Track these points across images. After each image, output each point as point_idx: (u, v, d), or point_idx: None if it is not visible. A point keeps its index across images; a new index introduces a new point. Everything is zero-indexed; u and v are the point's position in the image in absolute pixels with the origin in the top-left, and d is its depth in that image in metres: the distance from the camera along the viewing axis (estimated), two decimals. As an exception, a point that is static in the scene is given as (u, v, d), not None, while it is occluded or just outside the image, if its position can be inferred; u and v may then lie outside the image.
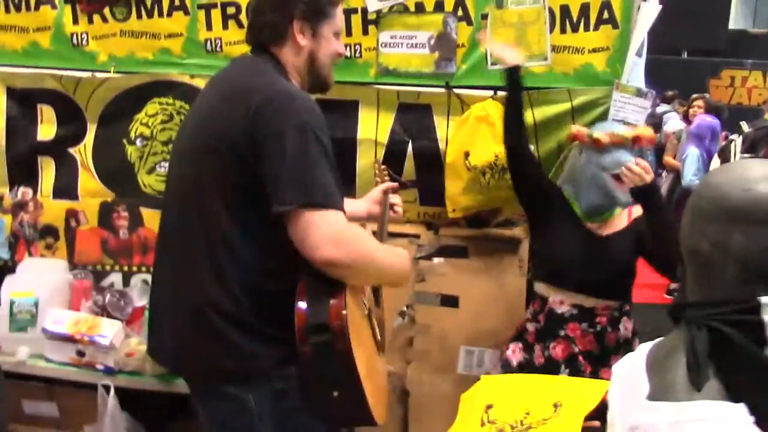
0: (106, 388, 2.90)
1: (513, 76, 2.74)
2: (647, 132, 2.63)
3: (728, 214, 1.09)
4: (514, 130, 2.75)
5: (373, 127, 3.11)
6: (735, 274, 1.09)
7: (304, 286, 1.77)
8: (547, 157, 3.05)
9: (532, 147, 2.95)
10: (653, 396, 1.10)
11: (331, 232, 1.66)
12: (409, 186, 3.00)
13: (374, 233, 2.32)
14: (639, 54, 2.97)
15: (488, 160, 2.94)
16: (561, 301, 2.65)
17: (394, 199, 2.48)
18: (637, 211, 2.68)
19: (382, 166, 2.62)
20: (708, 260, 1.12)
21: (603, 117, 2.92)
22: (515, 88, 2.75)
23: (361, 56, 3.05)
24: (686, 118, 7.28)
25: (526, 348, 2.74)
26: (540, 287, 2.75)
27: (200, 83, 2.99)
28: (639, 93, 2.91)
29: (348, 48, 2.98)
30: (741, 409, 1.01)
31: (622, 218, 2.72)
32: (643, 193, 2.53)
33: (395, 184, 2.52)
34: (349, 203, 2.00)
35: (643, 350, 1.24)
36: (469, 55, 3.04)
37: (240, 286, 1.79)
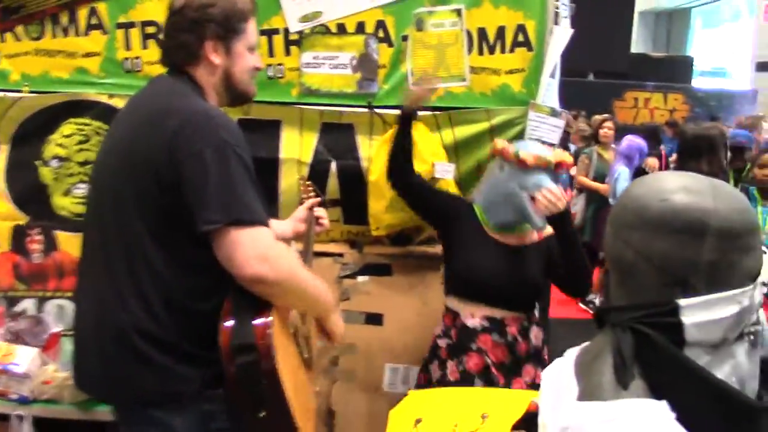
0: (20, 418, 2.79)
1: (403, 120, 2.78)
2: (568, 158, 2.67)
3: (650, 224, 1.14)
4: (399, 171, 2.78)
5: (297, 147, 3.10)
6: (656, 279, 1.13)
7: (230, 305, 1.76)
8: (467, 175, 3.09)
9: (452, 165, 2.99)
10: (582, 397, 1.13)
11: (257, 249, 1.65)
12: (330, 206, 2.95)
13: (300, 253, 2.32)
14: (552, 75, 3.04)
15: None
16: (472, 314, 2.65)
17: (319, 212, 2.49)
18: (548, 229, 2.70)
19: (308, 183, 2.62)
20: (632, 267, 1.16)
21: (520, 136, 2.98)
22: (404, 133, 2.78)
23: (283, 76, 3.05)
24: (595, 138, 7.47)
25: (440, 364, 2.71)
26: (451, 302, 2.74)
27: (119, 103, 2.94)
28: (553, 113, 2.98)
29: (270, 68, 3.01)
30: (664, 406, 1.05)
31: (533, 232, 2.74)
32: (557, 219, 2.56)
33: (318, 200, 2.54)
34: (274, 224, 1.99)
35: (570, 355, 1.27)
36: (391, 76, 3.06)
37: (164, 307, 1.78)
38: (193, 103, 1.83)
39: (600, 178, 6.95)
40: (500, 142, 2.70)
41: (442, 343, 2.72)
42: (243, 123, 2.97)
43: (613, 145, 7.20)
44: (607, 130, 7.25)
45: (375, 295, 3.14)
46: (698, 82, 15.37)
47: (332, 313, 2.05)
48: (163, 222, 1.77)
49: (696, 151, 4.14)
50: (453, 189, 3.04)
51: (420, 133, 2.99)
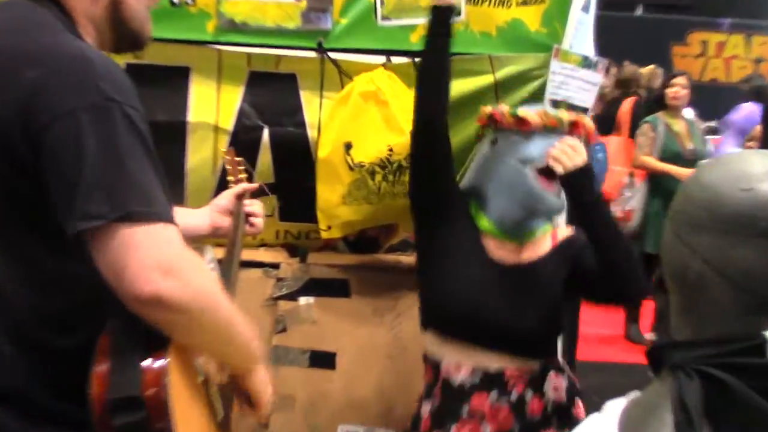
0: None
1: (443, 14, 2.70)
2: (588, 121, 2.67)
3: (725, 223, 1.15)
4: (435, 95, 2.72)
5: (212, 107, 3.13)
6: (734, 302, 1.14)
7: (108, 340, 1.73)
8: (460, 151, 3.06)
9: None
10: None
11: (159, 256, 1.62)
12: (261, 194, 2.94)
13: (220, 263, 2.34)
14: (585, 8, 3.13)
15: (379, 156, 2.98)
16: (457, 366, 2.64)
17: (253, 206, 2.50)
18: (565, 232, 2.76)
19: (237, 159, 2.62)
20: (699, 284, 1.16)
21: (538, 95, 3.05)
22: (443, 32, 2.71)
23: (194, 3, 3.04)
24: (660, 102, 7.26)
25: None
26: (430, 343, 2.74)
27: None
28: (587, 63, 3.03)
29: None
30: None
31: (545, 240, 2.75)
32: (575, 180, 2.56)
33: (254, 186, 2.54)
34: (181, 216, 1.94)
35: (613, 410, 1.25)
36: (352, 5, 3.08)
37: (10, 342, 1.74)
38: (61, 41, 1.78)
39: (669, 158, 6.72)
40: (488, 107, 2.74)
41: (426, 408, 2.72)
42: (133, 71, 2.87)
43: (687, 111, 7.06)
44: (679, 89, 7.03)
45: (324, 326, 3.17)
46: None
47: (259, 368, 2.03)
48: (10, 218, 1.74)
49: None
50: None
51: (393, 87, 3.02)
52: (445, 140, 2.74)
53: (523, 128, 2.61)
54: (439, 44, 2.71)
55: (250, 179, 2.59)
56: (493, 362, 2.61)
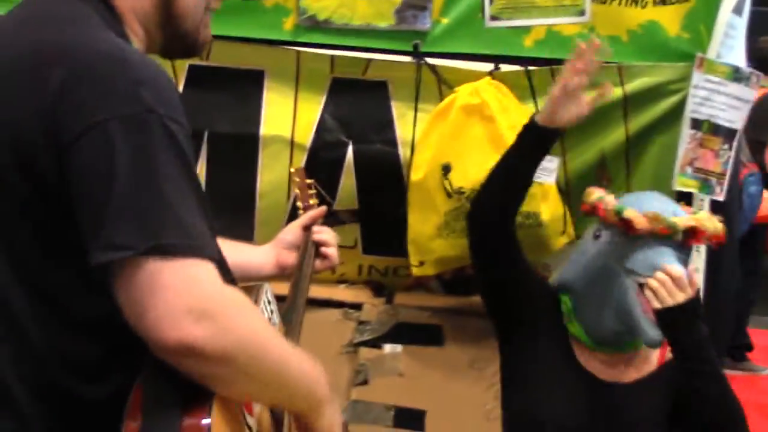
0: None
1: (551, 135, 2.47)
2: (709, 224, 2.43)
3: None
4: (507, 200, 2.55)
5: (289, 118, 3.01)
6: None
7: (141, 393, 1.60)
8: (580, 179, 2.99)
9: (555, 160, 2.90)
10: None
11: (192, 298, 1.50)
12: (342, 221, 2.93)
13: (286, 302, 2.22)
14: (738, 11, 2.91)
15: (482, 181, 2.69)
16: None
17: (323, 235, 2.35)
18: None
19: (308, 181, 2.51)
20: None
21: (675, 113, 2.88)
22: (538, 156, 2.50)
23: None
24: None
25: None
26: None
27: None
28: (737, 75, 2.84)
29: None
30: None
31: (651, 357, 2.58)
32: (671, 321, 2.34)
33: (322, 210, 2.39)
34: (243, 252, 2.00)
35: None
36: (456, 2, 2.94)
37: (27, 390, 1.64)
38: (98, 38, 1.66)
39: None
40: (595, 193, 2.52)
41: None
42: (198, 74, 2.98)
43: None
44: None
45: (413, 378, 3.06)
46: None
47: (325, 410, 1.83)
48: (32, 246, 1.62)
49: None
50: (555, 201, 2.97)
51: (501, 101, 2.90)
52: (514, 239, 2.57)
53: (628, 231, 2.41)
54: (525, 167, 2.52)
55: (324, 204, 2.46)
56: None
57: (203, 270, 1.53)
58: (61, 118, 1.55)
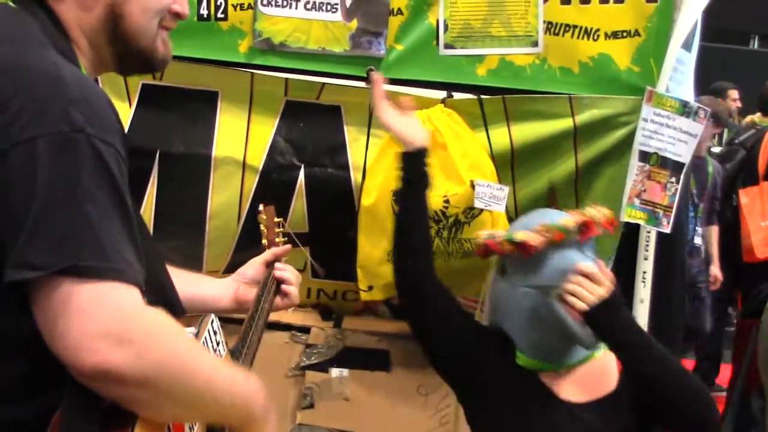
0: None
1: (416, 159, 2.53)
2: (599, 213, 2.41)
3: None
4: (415, 253, 2.56)
5: (241, 139, 2.99)
6: None
7: (63, 416, 1.56)
8: (528, 207, 2.91)
9: (505, 189, 2.86)
10: None
11: (108, 320, 1.49)
12: (292, 244, 2.84)
13: (241, 334, 2.15)
14: (687, 46, 2.92)
15: (433, 208, 2.80)
16: None
17: (285, 272, 2.33)
18: None
19: (277, 219, 2.48)
20: None
21: (624, 145, 2.87)
22: (418, 180, 2.53)
23: (226, 17, 2.90)
24: None
25: None
26: None
27: None
28: (686, 110, 2.84)
29: (202, 2, 2.90)
30: None
31: (608, 361, 2.48)
32: (596, 316, 2.29)
33: (286, 249, 2.38)
34: (200, 283, 2.01)
35: None
36: (410, 29, 2.91)
37: None
38: (32, 55, 1.65)
39: None
40: (482, 234, 2.54)
41: None
42: (151, 94, 2.96)
43: None
44: None
45: (358, 403, 3.03)
46: None
47: (260, 425, 1.79)
48: None
49: None
50: (504, 229, 2.82)
51: (453, 128, 2.88)
52: (438, 300, 2.57)
53: (527, 254, 2.39)
54: (412, 195, 2.55)
55: (288, 241, 2.45)
56: None
57: (122, 293, 1.51)
58: None
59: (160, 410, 1.63)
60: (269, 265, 2.35)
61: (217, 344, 1.93)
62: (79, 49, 1.77)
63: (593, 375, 2.47)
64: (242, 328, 2.18)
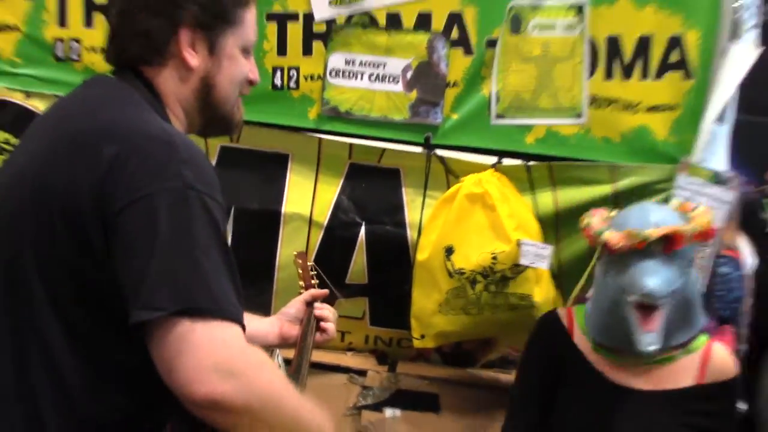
0: None
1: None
2: (691, 227, 2.33)
3: None
4: None
5: (308, 198, 3.01)
6: None
7: None
8: (570, 264, 2.95)
9: (549, 248, 2.84)
10: None
11: (218, 356, 1.53)
12: (347, 296, 2.91)
13: (289, 366, 2.22)
14: (721, 119, 2.85)
15: (482, 264, 2.83)
16: None
17: (323, 311, 2.35)
18: (721, 356, 2.41)
19: (310, 264, 2.50)
20: None
21: None
22: None
23: (297, 87, 2.93)
24: None
25: None
26: None
27: (39, 106, 2.93)
28: (718, 179, 2.79)
29: (279, 74, 2.94)
30: None
31: (690, 366, 2.40)
32: None
33: (325, 292, 2.38)
34: (249, 321, 1.92)
35: None
36: (465, 100, 2.92)
37: (65, 430, 1.65)
38: (145, 120, 1.71)
39: None
40: (586, 218, 2.49)
41: None
42: (229, 155, 3.00)
43: None
44: None
45: None
46: None
47: None
48: (76, 302, 1.64)
49: None
50: (547, 285, 2.91)
51: (502, 191, 2.88)
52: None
53: (609, 252, 2.37)
54: None
55: (321, 285, 2.46)
56: None
57: (229, 331, 1.55)
58: (110, 190, 1.57)
59: None
60: (309, 304, 2.38)
61: (283, 376, 2.05)
62: (173, 114, 1.83)
63: (661, 369, 2.42)
64: (293, 362, 2.23)
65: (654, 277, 2.27)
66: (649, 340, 2.27)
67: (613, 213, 2.47)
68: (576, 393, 2.46)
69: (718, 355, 2.41)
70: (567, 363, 2.47)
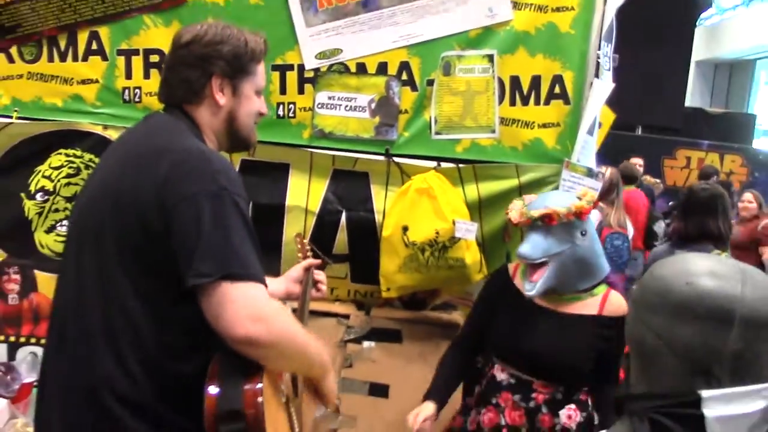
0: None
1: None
2: (565, 209, 2.48)
3: (672, 308, 1.22)
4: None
5: (304, 194, 3.18)
6: (678, 367, 1.21)
7: (217, 367, 1.78)
8: (491, 237, 3.18)
9: (475, 225, 3.05)
10: None
11: (250, 307, 1.68)
12: (333, 262, 2.99)
13: (294, 311, 2.34)
14: (590, 132, 3.10)
15: (428, 237, 3.03)
16: (503, 369, 2.62)
17: (319, 275, 2.49)
18: (617, 300, 2.60)
19: (305, 241, 2.62)
20: (653, 353, 1.23)
21: None
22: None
23: (294, 116, 3.15)
24: None
25: (465, 412, 2.71)
26: (485, 354, 2.73)
27: (114, 135, 3.08)
28: (589, 173, 3.04)
29: (281, 107, 3.14)
30: None
31: (593, 303, 2.61)
32: None
33: (318, 261, 2.51)
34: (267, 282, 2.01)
35: None
36: (412, 123, 3.15)
37: (141, 366, 1.79)
38: (189, 142, 1.88)
39: None
40: (510, 207, 2.64)
41: (477, 389, 2.71)
42: (247, 165, 3.12)
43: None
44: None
45: (381, 364, 3.18)
46: (761, 143, 14.86)
47: (328, 375, 2.07)
48: (146, 272, 1.79)
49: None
50: (474, 251, 3.10)
51: (441, 186, 3.09)
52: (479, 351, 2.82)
53: (514, 225, 2.60)
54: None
55: (315, 256, 2.57)
56: (526, 374, 2.60)
57: (256, 289, 1.72)
58: (167, 191, 1.75)
59: (277, 363, 1.86)
60: (306, 270, 2.48)
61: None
62: (208, 138, 2.00)
63: (571, 304, 2.62)
64: (297, 311, 2.36)
65: (528, 244, 2.49)
66: (528, 287, 2.51)
67: (527, 204, 2.63)
68: (507, 310, 2.65)
69: (613, 298, 2.61)
70: (506, 295, 2.65)
